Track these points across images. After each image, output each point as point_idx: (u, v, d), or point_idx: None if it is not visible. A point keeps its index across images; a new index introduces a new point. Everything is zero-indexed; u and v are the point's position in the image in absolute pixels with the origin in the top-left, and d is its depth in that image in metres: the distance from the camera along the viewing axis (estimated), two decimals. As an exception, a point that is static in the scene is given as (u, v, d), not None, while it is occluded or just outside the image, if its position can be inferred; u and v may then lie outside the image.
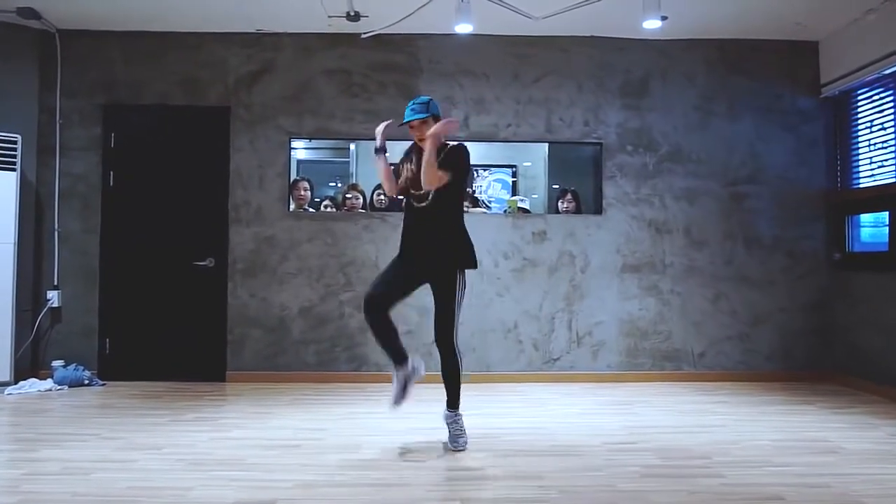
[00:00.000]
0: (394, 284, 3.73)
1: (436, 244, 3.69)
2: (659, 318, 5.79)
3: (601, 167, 5.86)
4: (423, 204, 3.68)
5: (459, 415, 3.81)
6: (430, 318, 3.79)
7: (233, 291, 5.71)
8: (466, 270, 3.76)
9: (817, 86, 5.86)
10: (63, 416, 4.55)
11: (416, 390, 3.76)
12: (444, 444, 3.81)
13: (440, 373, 3.78)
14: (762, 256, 5.83)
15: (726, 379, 5.71)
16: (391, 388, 3.72)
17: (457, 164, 3.67)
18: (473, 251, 3.79)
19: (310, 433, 4.06)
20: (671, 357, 5.78)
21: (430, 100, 3.76)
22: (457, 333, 3.73)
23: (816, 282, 5.83)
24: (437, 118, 3.70)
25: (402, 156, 3.88)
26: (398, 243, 3.86)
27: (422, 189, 3.64)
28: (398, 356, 3.69)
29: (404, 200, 3.85)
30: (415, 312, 5.42)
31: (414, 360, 3.71)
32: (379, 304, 3.65)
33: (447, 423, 3.81)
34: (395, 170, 3.88)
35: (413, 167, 3.73)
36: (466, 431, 3.80)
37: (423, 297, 3.90)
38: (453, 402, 3.79)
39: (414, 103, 3.72)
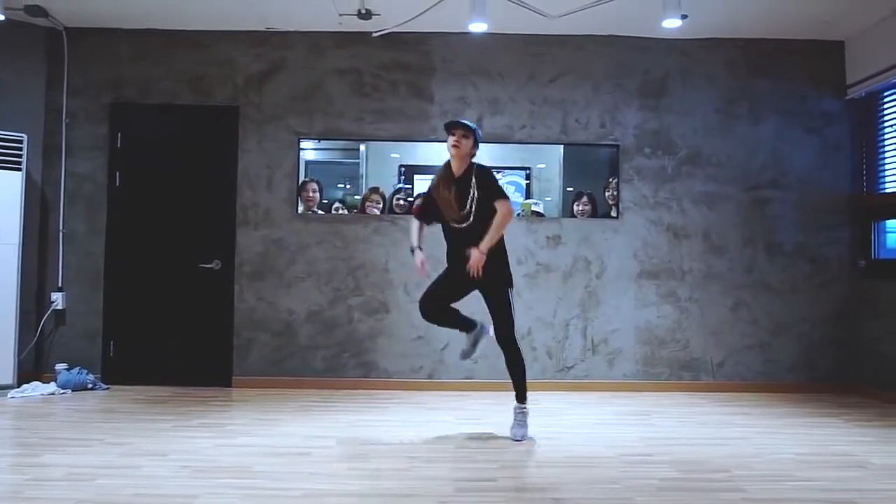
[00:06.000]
0: (444, 294, 4.13)
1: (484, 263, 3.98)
2: (677, 326, 5.65)
3: (618, 170, 5.73)
4: (465, 224, 4.02)
5: (525, 409, 4.16)
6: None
7: (239, 295, 5.62)
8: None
9: (843, 87, 5.71)
10: (66, 420, 4.49)
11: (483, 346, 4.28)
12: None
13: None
14: (784, 263, 5.68)
15: (746, 390, 5.56)
16: (463, 344, 4.26)
17: (493, 182, 4.09)
18: (509, 266, 4.23)
19: (318, 441, 3.98)
20: (689, 366, 5.64)
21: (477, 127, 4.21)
22: (514, 331, 4.10)
23: (840, 290, 5.67)
24: (476, 142, 4.12)
25: (431, 183, 4.23)
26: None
27: (461, 214, 4.02)
28: (465, 326, 4.20)
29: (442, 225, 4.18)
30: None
31: (483, 324, 4.19)
32: (432, 310, 4.13)
33: (514, 412, 4.17)
34: (427, 200, 4.24)
35: (448, 194, 4.05)
36: (528, 427, 4.13)
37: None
38: (519, 396, 4.17)
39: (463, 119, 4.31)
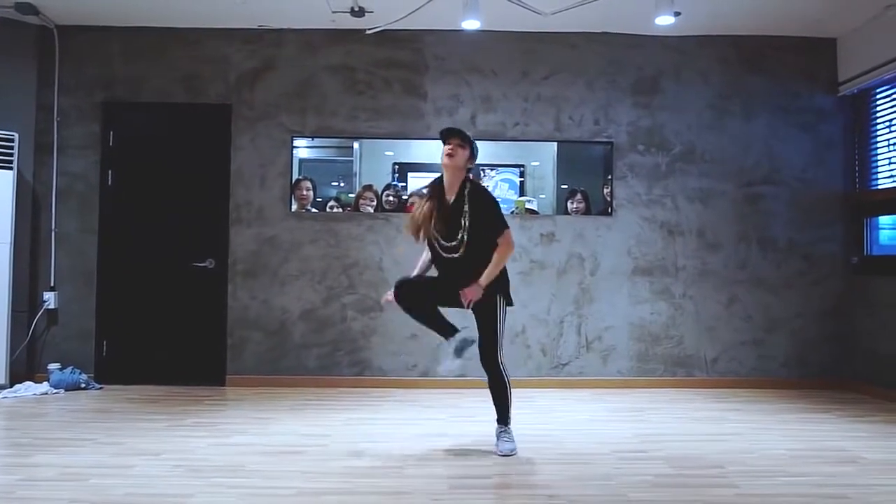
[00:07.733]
0: (428, 291, 3.75)
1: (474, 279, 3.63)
2: (671, 323, 5.65)
3: (612, 167, 5.73)
4: (455, 255, 3.61)
5: (508, 428, 3.78)
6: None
7: (233, 293, 5.60)
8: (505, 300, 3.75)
9: (835, 84, 5.72)
10: (59, 420, 4.47)
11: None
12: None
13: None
14: (778, 260, 5.69)
15: (740, 386, 5.57)
16: (445, 357, 3.86)
17: (491, 206, 3.66)
18: (508, 280, 3.77)
19: (312, 439, 3.97)
20: (683, 363, 5.64)
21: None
22: (501, 353, 3.71)
23: (834, 286, 5.68)
24: (473, 155, 3.71)
25: (418, 194, 3.87)
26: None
27: (449, 244, 3.61)
28: (444, 330, 3.76)
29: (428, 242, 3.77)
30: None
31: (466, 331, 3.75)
32: (410, 297, 3.70)
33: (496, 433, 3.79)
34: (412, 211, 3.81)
35: (433, 220, 3.63)
36: (514, 442, 3.75)
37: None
38: (502, 418, 3.78)
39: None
